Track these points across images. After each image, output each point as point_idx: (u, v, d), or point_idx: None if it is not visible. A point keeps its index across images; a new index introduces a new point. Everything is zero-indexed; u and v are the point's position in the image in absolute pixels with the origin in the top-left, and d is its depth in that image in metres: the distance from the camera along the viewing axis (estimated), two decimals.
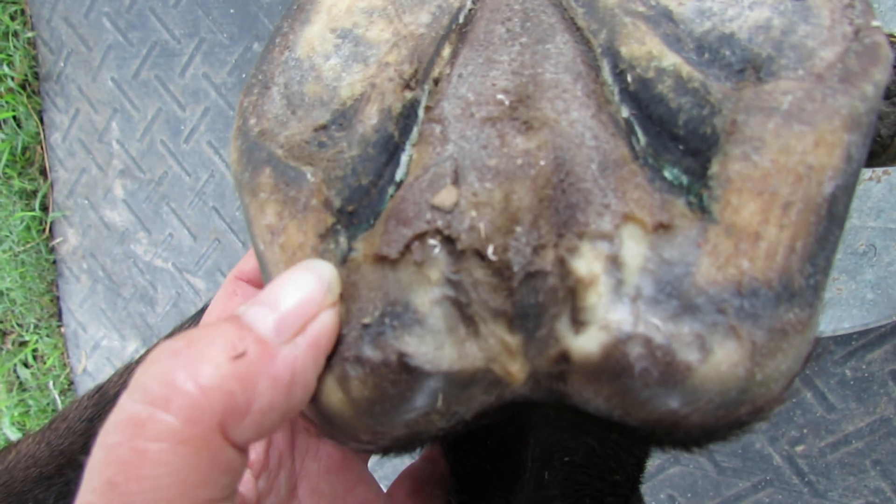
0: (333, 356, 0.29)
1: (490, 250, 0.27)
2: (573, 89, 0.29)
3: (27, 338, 2.23)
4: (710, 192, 0.26)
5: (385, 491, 0.45)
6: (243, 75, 1.68)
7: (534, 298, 0.27)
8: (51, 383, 2.21)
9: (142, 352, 2.01)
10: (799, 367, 0.27)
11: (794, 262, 0.26)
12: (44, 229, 2.13)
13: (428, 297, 0.27)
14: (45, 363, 2.22)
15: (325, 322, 0.28)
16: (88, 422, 0.90)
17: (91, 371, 2.15)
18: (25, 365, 2.26)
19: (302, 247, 0.30)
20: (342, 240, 0.29)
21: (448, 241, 0.27)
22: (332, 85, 0.33)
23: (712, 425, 0.27)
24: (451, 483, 0.45)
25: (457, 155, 0.28)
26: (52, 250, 2.15)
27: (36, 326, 2.22)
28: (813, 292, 0.26)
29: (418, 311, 0.27)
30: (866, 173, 0.98)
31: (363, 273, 0.29)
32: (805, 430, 1.14)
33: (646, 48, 0.29)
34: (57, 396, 2.20)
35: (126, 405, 0.25)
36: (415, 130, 0.31)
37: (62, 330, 2.21)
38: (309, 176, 0.30)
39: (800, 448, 1.16)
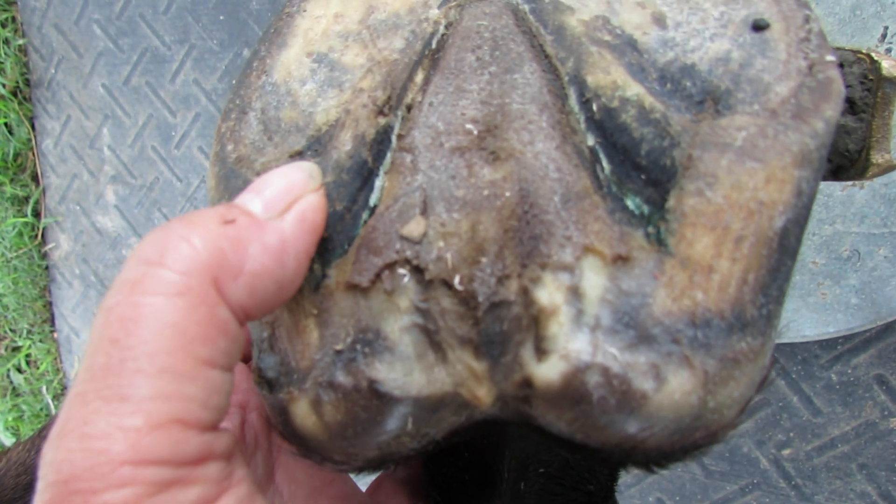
0: (306, 381, 0.29)
1: (457, 280, 0.27)
2: (539, 120, 0.29)
3: (20, 343, 2.23)
4: (666, 224, 0.27)
5: (364, 490, 0.45)
6: (233, 81, 1.68)
7: (499, 327, 0.27)
8: (44, 388, 2.21)
9: None
10: (752, 392, 0.28)
11: (746, 293, 0.26)
12: (36, 235, 2.13)
13: (398, 325, 0.28)
14: (38, 368, 2.22)
15: (311, 200, 0.29)
16: None
17: None
18: (19, 370, 2.26)
19: None
20: (316, 266, 0.30)
21: (417, 270, 0.28)
22: (307, 111, 0.33)
23: (668, 448, 0.28)
24: (429, 491, 0.45)
25: (426, 185, 0.29)
26: (44, 256, 2.15)
27: (29, 332, 2.21)
28: (766, 321, 0.27)
29: (388, 339, 0.28)
30: (842, 185, 0.99)
31: (336, 300, 0.29)
32: (791, 434, 1.15)
33: (611, 77, 0.29)
34: (50, 401, 2.20)
35: (123, 272, 0.26)
36: (388, 156, 0.31)
37: (55, 335, 2.21)
38: None
39: (786, 452, 1.17)
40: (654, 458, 0.30)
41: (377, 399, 0.28)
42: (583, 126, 0.29)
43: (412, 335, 0.28)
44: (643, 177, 0.28)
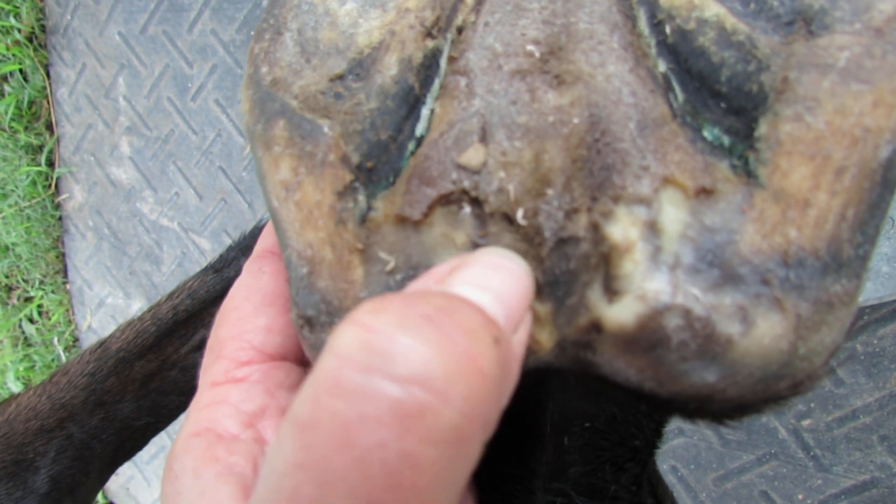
0: None
1: (520, 214, 0.25)
2: (609, 41, 0.27)
3: (32, 293, 2.23)
4: (757, 154, 0.24)
5: None
6: (251, 32, 1.65)
7: (565, 265, 0.25)
8: (55, 339, 2.22)
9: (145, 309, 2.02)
10: (842, 339, 0.26)
11: (844, 230, 0.24)
12: (49, 185, 2.12)
13: None
14: (49, 319, 2.22)
15: (530, 320, 0.25)
16: (90, 376, 0.90)
17: (96, 328, 2.15)
18: (31, 320, 2.26)
19: (319, 205, 0.28)
20: (360, 198, 0.28)
21: (475, 202, 0.26)
22: (348, 32, 0.30)
23: (748, 399, 0.26)
24: None
25: (484, 110, 0.27)
26: (57, 206, 2.14)
27: (41, 282, 2.22)
28: (861, 262, 0.25)
29: None
30: None
31: (383, 234, 0.27)
32: (812, 405, 1.13)
33: None
34: (62, 352, 2.21)
35: (380, 387, 0.18)
36: (436, 83, 0.29)
37: (67, 286, 2.21)
38: (326, 129, 0.28)
39: (806, 422, 1.15)
40: (728, 410, 0.27)
41: None
42: (654, 51, 0.27)
43: None
44: (723, 105, 0.25)
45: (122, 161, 1.97)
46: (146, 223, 1.97)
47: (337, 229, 0.28)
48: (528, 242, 0.25)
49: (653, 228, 0.25)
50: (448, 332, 0.19)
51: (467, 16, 0.29)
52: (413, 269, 0.27)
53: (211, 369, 0.32)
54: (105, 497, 2.28)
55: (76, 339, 2.23)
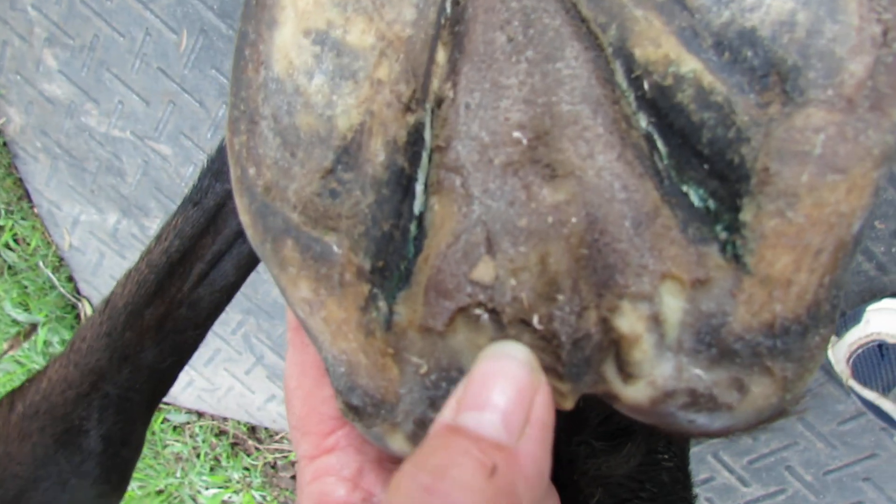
0: (396, 413, 0.30)
1: (535, 320, 0.28)
2: (594, 125, 0.28)
3: (2, 223, 2.20)
4: (743, 241, 0.27)
5: None
6: None
7: (581, 355, 0.28)
8: (40, 263, 2.23)
9: (123, 223, 2.01)
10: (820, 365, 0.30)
11: (822, 294, 0.27)
12: None
13: None
14: (28, 245, 2.21)
15: (543, 403, 0.27)
16: (107, 336, 0.94)
17: (78, 246, 2.16)
18: (9, 248, 2.25)
19: (346, 321, 0.30)
20: (381, 304, 0.30)
21: (492, 311, 0.28)
22: (325, 115, 0.30)
23: (743, 430, 0.30)
24: None
25: (485, 217, 0.28)
26: None
27: (7, 210, 2.18)
28: (835, 308, 0.28)
29: None
30: None
31: (411, 340, 0.29)
32: None
33: (662, 51, 0.27)
34: (51, 274, 2.23)
35: None
36: (424, 156, 0.29)
37: (35, 211, 2.18)
38: (335, 248, 0.29)
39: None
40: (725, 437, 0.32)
41: None
42: (633, 105, 0.28)
43: None
44: (706, 167, 0.27)
45: (51, 76, 1.86)
46: (97, 136, 1.90)
47: (367, 340, 0.30)
48: (547, 342, 0.28)
49: (656, 320, 0.27)
50: (445, 495, 0.23)
51: (443, 83, 0.29)
52: (445, 371, 0.29)
53: (302, 446, 0.36)
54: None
55: (61, 259, 2.24)
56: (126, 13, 1.65)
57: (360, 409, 0.32)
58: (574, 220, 0.27)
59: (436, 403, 0.29)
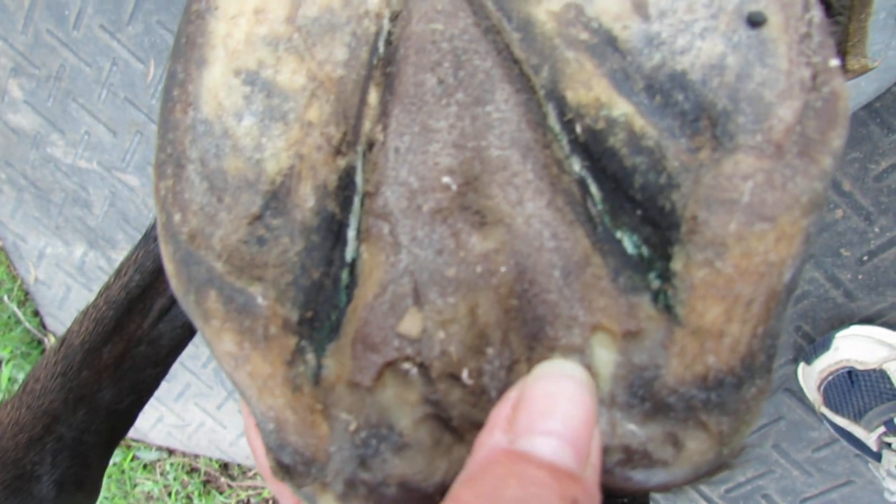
0: (326, 473, 0.28)
1: (465, 375, 0.27)
2: (524, 171, 0.27)
3: None
4: (674, 291, 0.26)
5: None
6: None
7: None
8: (5, 297, 2.17)
9: (90, 256, 1.97)
10: (761, 416, 0.29)
11: (755, 345, 0.26)
12: None
13: (411, 419, 0.27)
14: None
15: (599, 433, 0.26)
16: (62, 376, 0.91)
17: (44, 280, 2.11)
18: None
19: (272, 376, 0.28)
20: (310, 357, 0.28)
21: (421, 366, 0.27)
22: (254, 158, 0.29)
23: (682, 484, 0.29)
24: None
25: (413, 267, 0.27)
26: None
27: None
28: (771, 359, 0.27)
29: (404, 434, 0.27)
30: None
31: (339, 395, 0.28)
32: None
33: (593, 94, 0.26)
34: (16, 309, 2.18)
35: None
36: (356, 201, 0.28)
37: (0, 244, 2.13)
38: (260, 300, 0.28)
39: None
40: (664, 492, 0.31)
41: (405, 492, 0.27)
42: (567, 149, 0.27)
43: (427, 425, 0.27)
44: (639, 212, 0.26)
45: (17, 106, 1.83)
46: (63, 167, 1.87)
47: (294, 395, 0.28)
48: (477, 397, 0.27)
49: (588, 372, 0.26)
50: None
51: (374, 125, 0.28)
52: (375, 427, 0.28)
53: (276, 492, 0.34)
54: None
55: (27, 294, 2.19)
56: (93, 43, 1.64)
57: (291, 468, 0.30)
58: (503, 269, 0.26)
59: (366, 462, 0.28)
